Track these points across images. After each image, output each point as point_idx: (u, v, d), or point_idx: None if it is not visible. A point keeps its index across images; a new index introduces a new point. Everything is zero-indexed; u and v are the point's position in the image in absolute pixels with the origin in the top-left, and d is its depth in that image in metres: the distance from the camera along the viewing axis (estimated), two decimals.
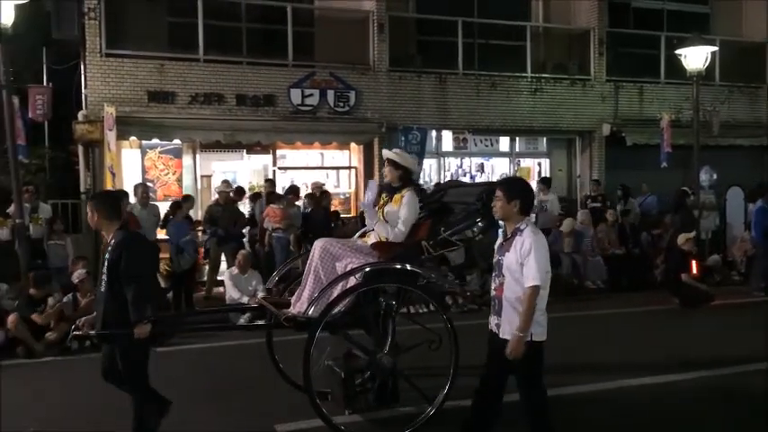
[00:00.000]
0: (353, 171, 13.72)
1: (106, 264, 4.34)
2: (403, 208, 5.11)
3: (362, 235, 5.63)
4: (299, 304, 5.07)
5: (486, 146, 15.04)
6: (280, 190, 11.87)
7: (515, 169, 15.13)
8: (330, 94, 12.75)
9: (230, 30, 12.72)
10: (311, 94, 12.62)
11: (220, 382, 6.38)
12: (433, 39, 14.33)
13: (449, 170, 14.85)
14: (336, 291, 4.83)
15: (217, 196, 11.14)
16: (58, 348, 7.59)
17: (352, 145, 13.48)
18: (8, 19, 7.82)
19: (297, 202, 11.34)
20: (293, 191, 11.39)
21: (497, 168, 15.21)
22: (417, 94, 13.49)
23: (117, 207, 4.67)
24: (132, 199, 10.23)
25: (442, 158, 14.58)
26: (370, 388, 5.16)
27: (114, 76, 11.54)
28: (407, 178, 5.27)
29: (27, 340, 7.51)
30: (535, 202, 11.59)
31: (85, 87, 11.56)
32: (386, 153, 5.40)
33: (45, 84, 13.23)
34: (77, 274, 8.32)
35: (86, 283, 8.17)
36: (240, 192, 11.70)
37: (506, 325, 4.04)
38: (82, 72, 11.74)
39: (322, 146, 13.09)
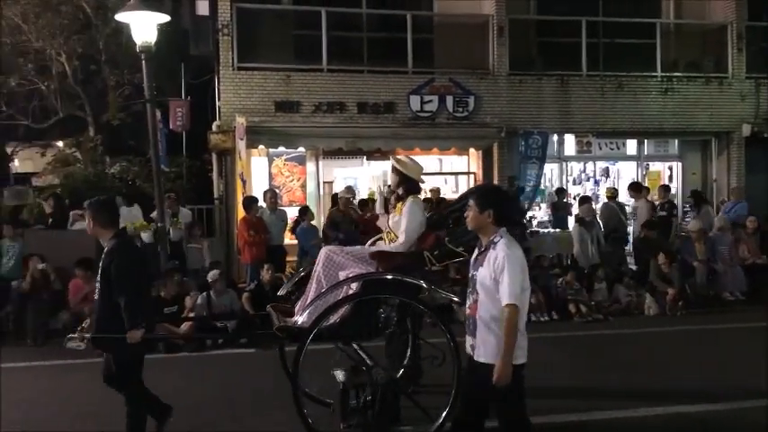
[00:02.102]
0: (472, 176, 13.64)
1: (100, 271, 4.44)
2: (403, 218, 4.97)
3: (375, 243, 5.47)
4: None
5: (612, 149, 14.48)
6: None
7: (644, 173, 14.44)
8: (449, 99, 12.77)
9: (352, 40, 13.07)
10: (430, 101, 12.70)
11: None
12: (555, 40, 13.97)
13: (571, 175, 14.44)
14: (330, 300, 4.68)
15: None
16: (195, 344, 7.98)
17: (471, 150, 13.42)
18: (151, 38, 8.41)
19: None
20: None
21: (624, 172, 14.63)
22: (538, 98, 13.21)
23: (112, 214, 4.62)
24: (261, 204, 10.72)
25: (564, 163, 14.19)
26: (370, 404, 4.89)
27: (245, 88, 12.17)
28: (410, 186, 5.14)
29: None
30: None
31: (219, 99, 12.29)
32: (391, 159, 5.32)
33: (183, 97, 14.20)
34: (212, 274, 8.82)
35: (219, 282, 8.67)
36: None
37: (481, 347, 3.77)
38: (216, 85, 12.50)
39: (440, 152, 13.13)
